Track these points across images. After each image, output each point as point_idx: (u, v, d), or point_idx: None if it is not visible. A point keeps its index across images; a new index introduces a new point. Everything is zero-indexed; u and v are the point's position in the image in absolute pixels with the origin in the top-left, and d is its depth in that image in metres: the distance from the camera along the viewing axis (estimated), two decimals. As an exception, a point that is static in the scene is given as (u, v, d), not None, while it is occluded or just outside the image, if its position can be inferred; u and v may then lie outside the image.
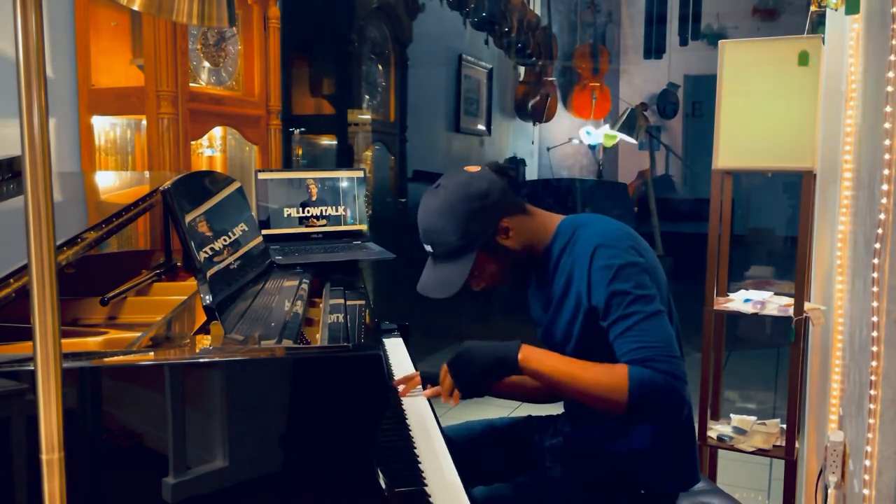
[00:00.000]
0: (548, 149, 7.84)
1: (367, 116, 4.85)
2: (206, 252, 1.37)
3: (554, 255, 1.47)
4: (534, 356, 1.36)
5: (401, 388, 1.62)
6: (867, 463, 1.25)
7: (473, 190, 1.42)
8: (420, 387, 1.62)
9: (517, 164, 6.89)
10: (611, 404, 1.29)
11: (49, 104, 0.67)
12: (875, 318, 1.21)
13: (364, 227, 2.33)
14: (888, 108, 1.20)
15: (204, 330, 1.30)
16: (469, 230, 1.41)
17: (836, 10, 2.03)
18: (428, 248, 1.47)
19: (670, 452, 1.48)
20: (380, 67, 5.04)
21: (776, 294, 2.45)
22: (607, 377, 1.29)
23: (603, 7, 7.94)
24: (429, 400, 1.59)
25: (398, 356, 1.91)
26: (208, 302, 1.25)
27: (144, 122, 2.60)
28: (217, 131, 2.99)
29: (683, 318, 1.48)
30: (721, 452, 2.50)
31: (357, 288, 1.95)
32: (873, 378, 1.22)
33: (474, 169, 1.47)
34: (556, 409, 1.68)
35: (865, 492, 1.26)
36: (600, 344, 1.36)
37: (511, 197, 1.46)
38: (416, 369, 1.82)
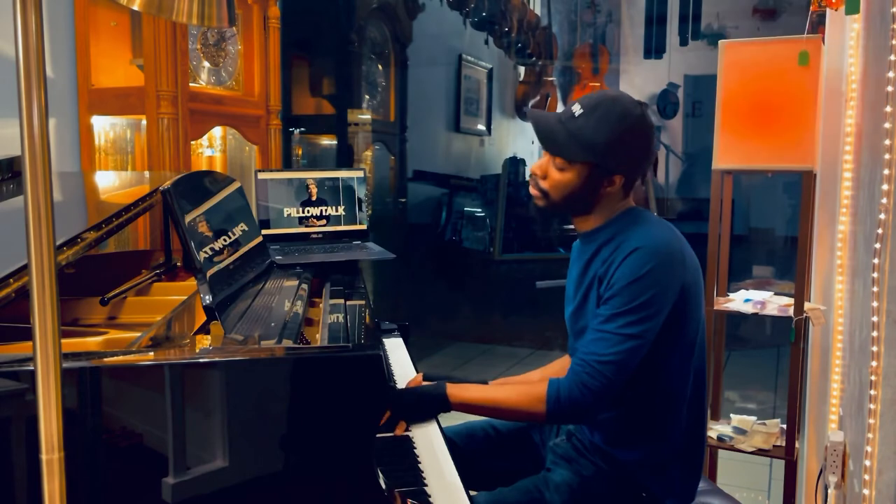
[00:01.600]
0: (548, 149, 7.83)
1: (367, 116, 4.85)
2: (206, 252, 1.37)
3: (605, 234, 1.45)
4: (459, 392, 1.44)
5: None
6: (867, 463, 1.25)
7: (646, 129, 1.41)
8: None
9: (518, 164, 6.89)
10: (532, 418, 1.43)
11: (49, 104, 0.67)
12: (875, 318, 1.21)
13: (364, 227, 2.33)
14: (888, 108, 1.20)
15: (204, 330, 1.30)
16: (611, 145, 1.37)
17: (836, 10, 2.03)
18: (579, 110, 1.40)
19: (677, 461, 1.47)
20: (380, 67, 5.04)
21: (776, 294, 2.45)
22: (526, 397, 1.40)
23: (603, 7, 7.93)
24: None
25: (398, 356, 1.91)
26: (208, 302, 1.25)
27: (144, 122, 2.60)
28: (217, 131, 2.99)
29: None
30: (721, 452, 2.50)
31: (357, 288, 1.95)
32: (873, 378, 1.22)
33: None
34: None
35: (865, 492, 1.26)
36: None
37: (642, 172, 1.46)
38: (417, 369, 1.82)
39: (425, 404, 1.44)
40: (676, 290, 1.37)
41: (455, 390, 1.43)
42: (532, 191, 1.49)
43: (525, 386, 1.43)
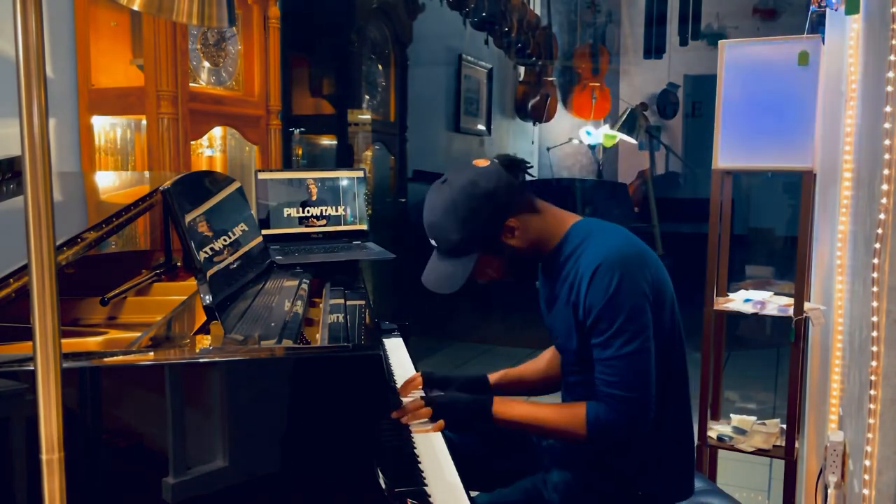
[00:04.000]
0: (548, 149, 7.84)
1: (367, 116, 4.85)
2: (206, 252, 1.37)
3: (562, 256, 1.45)
4: (504, 409, 1.44)
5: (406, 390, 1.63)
6: (867, 463, 1.25)
7: (479, 190, 1.39)
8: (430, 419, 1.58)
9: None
10: (573, 439, 1.43)
11: (49, 104, 0.67)
12: (875, 318, 1.21)
13: (364, 227, 2.33)
14: (888, 108, 1.20)
15: (204, 330, 1.30)
16: (473, 231, 1.40)
17: (835, 10, 2.03)
18: (432, 241, 1.47)
19: (668, 457, 1.47)
20: (380, 67, 5.04)
21: (776, 294, 2.45)
22: (568, 417, 1.40)
23: (603, 7, 7.93)
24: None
25: (398, 356, 1.91)
26: (208, 302, 1.25)
27: (144, 122, 2.60)
28: (217, 131, 2.99)
29: (684, 318, 1.48)
30: (721, 452, 2.50)
31: (357, 288, 1.95)
32: (873, 378, 1.22)
33: (483, 163, 1.44)
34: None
35: (865, 492, 1.26)
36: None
37: (519, 195, 1.44)
38: (417, 369, 1.83)
39: (469, 415, 1.46)
40: (648, 290, 1.37)
41: (500, 407, 1.45)
42: (499, 281, 1.51)
43: (564, 408, 1.44)
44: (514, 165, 1.46)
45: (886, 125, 1.20)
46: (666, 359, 1.42)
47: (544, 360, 1.75)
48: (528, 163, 1.50)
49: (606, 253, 1.37)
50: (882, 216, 1.20)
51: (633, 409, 1.35)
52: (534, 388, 1.73)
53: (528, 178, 1.50)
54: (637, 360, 1.35)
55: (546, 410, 1.45)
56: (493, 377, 1.71)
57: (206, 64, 2.84)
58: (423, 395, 1.51)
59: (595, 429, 1.37)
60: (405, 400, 1.58)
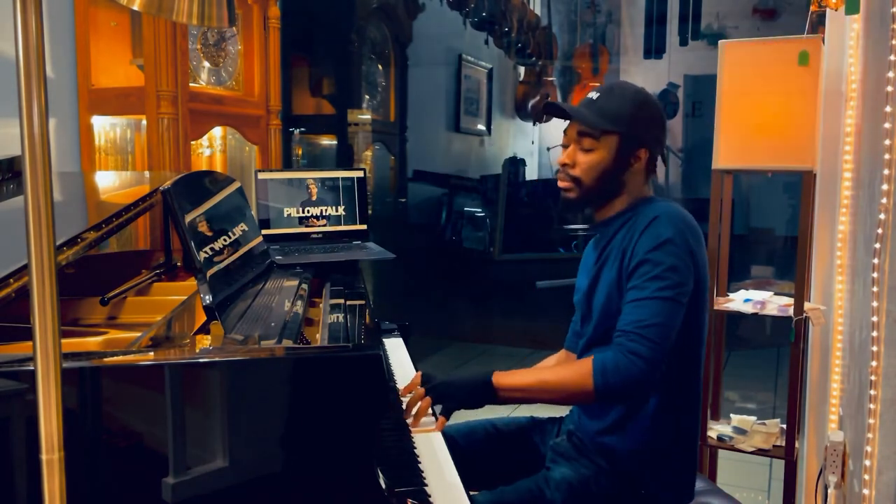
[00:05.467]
0: (548, 149, 7.84)
1: (367, 116, 4.85)
2: (206, 252, 1.37)
3: (623, 218, 1.49)
4: (505, 378, 1.41)
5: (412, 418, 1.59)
6: (867, 463, 1.25)
7: (658, 110, 1.52)
8: (433, 417, 1.53)
9: (518, 164, 6.89)
10: (582, 397, 1.39)
11: (49, 104, 0.67)
12: (875, 318, 1.21)
13: (364, 227, 2.33)
14: (888, 108, 1.20)
15: (204, 330, 1.30)
16: (636, 117, 1.46)
17: (835, 10, 2.03)
18: (595, 94, 1.50)
19: (671, 456, 1.47)
20: (380, 67, 5.04)
21: (776, 294, 2.45)
22: (573, 373, 1.38)
23: (603, 7, 7.94)
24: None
25: (398, 356, 1.91)
26: (208, 302, 1.25)
27: (144, 122, 2.60)
28: (217, 131, 2.99)
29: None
30: (721, 452, 2.50)
31: (357, 288, 1.95)
32: (873, 378, 1.22)
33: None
34: (558, 410, 1.68)
35: (865, 492, 1.26)
36: None
37: (661, 150, 1.52)
38: (417, 369, 1.82)
39: (470, 392, 1.41)
40: (694, 262, 1.39)
41: (501, 377, 1.41)
42: (562, 183, 1.51)
43: (568, 365, 1.43)
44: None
45: (886, 125, 1.20)
46: (685, 354, 1.44)
47: (551, 364, 1.74)
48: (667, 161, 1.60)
49: (668, 210, 1.42)
50: (882, 216, 1.20)
51: (650, 352, 1.32)
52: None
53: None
54: (668, 307, 1.34)
55: (549, 372, 1.44)
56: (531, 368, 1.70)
57: (206, 64, 2.84)
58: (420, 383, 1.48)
59: (603, 379, 1.33)
60: (405, 400, 1.58)
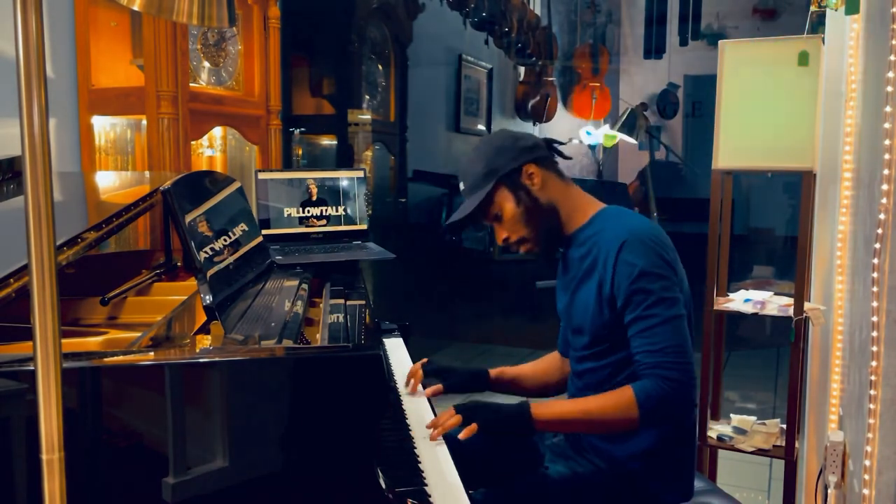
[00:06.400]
0: (548, 149, 7.83)
1: (367, 116, 4.85)
2: (206, 252, 1.37)
3: (584, 236, 1.49)
4: (544, 408, 1.39)
5: (410, 385, 1.63)
6: (867, 463, 1.25)
7: (508, 133, 1.53)
8: (421, 387, 1.63)
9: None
10: (625, 425, 1.38)
11: (49, 104, 0.67)
12: (875, 318, 1.21)
13: (364, 227, 2.33)
14: (888, 108, 1.20)
15: (204, 330, 1.30)
16: (492, 161, 1.48)
17: (836, 10, 2.03)
18: (461, 186, 1.53)
19: (670, 456, 1.48)
20: (380, 67, 5.04)
21: (776, 294, 2.45)
22: (616, 402, 1.36)
23: (603, 7, 7.94)
24: (429, 400, 1.59)
25: (398, 356, 1.91)
26: (208, 302, 1.25)
27: (144, 122, 2.60)
28: (217, 131, 2.99)
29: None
30: (721, 452, 2.50)
31: (357, 288, 1.95)
32: (873, 378, 1.22)
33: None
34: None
35: (865, 492, 1.26)
36: (617, 328, 1.41)
37: (546, 153, 1.53)
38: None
39: (507, 423, 1.39)
40: (671, 262, 1.40)
41: (539, 408, 1.39)
42: (519, 250, 1.53)
43: (610, 396, 1.39)
44: (551, 142, 1.56)
45: (886, 125, 1.20)
46: None
47: (542, 365, 1.75)
48: (566, 153, 1.59)
49: (631, 229, 1.41)
50: (882, 216, 1.20)
51: (682, 374, 1.34)
52: (529, 390, 1.73)
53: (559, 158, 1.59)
54: (678, 325, 1.36)
55: (590, 402, 1.41)
56: (492, 373, 1.71)
57: (206, 64, 2.84)
58: (455, 405, 1.42)
59: (648, 406, 1.33)
60: (405, 400, 1.59)
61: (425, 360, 1.69)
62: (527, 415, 1.37)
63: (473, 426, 1.35)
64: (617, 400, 1.36)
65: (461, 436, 1.34)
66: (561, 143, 1.58)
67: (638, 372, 1.37)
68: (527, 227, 1.50)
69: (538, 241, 1.52)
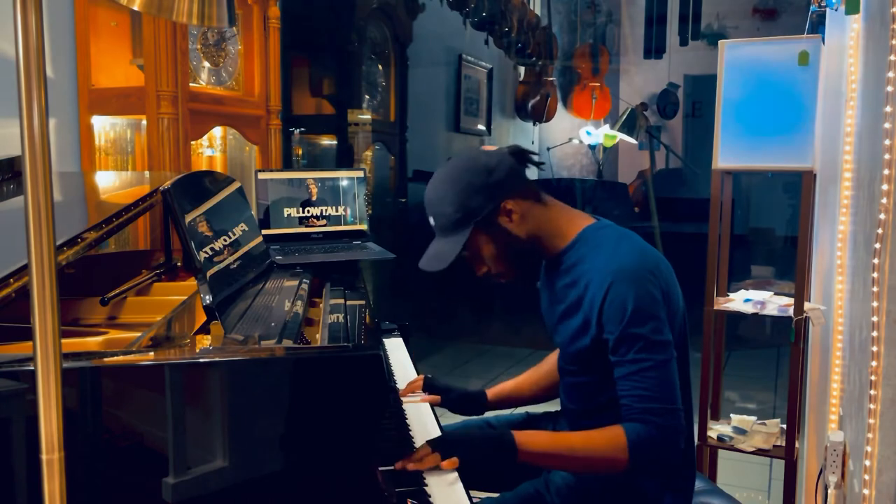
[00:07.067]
0: (548, 149, 7.84)
1: (367, 116, 4.85)
2: (206, 252, 1.37)
3: (569, 260, 1.41)
4: (530, 440, 1.33)
5: (407, 386, 1.64)
6: (867, 463, 1.25)
7: (479, 164, 1.37)
8: (421, 392, 1.62)
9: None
10: (612, 467, 1.32)
11: (49, 104, 0.67)
12: (875, 318, 1.21)
13: (364, 227, 2.33)
14: (888, 108, 1.20)
15: (204, 330, 1.30)
16: (467, 204, 1.36)
17: (835, 10, 2.03)
18: (431, 220, 1.42)
19: (671, 465, 1.47)
20: (380, 67, 5.03)
21: (776, 294, 2.45)
22: (605, 442, 1.31)
23: (603, 7, 7.93)
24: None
25: (398, 356, 1.91)
26: (208, 302, 1.25)
27: (144, 122, 2.60)
28: (217, 131, 2.99)
29: (684, 317, 1.47)
30: (721, 452, 2.50)
31: (357, 288, 1.95)
32: (873, 378, 1.22)
33: (491, 148, 1.43)
34: (555, 406, 1.68)
35: (865, 492, 1.26)
36: (601, 359, 1.36)
37: (521, 181, 1.40)
38: (417, 369, 1.83)
39: (489, 453, 1.32)
40: (660, 298, 1.34)
41: (524, 438, 1.32)
42: (499, 281, 1.45)
43: (601, 434, 1.33)
44: (521, 154, 1.43)
45: (886, 125, 1.20)
46: (677, 357, 1.42)
47: (545, 367, 1.73)
48: (540, 159, 1.47)
49: (618, 266, 1.32)
50: (882, 216, 1.20)
51: (671, 420, 1.29)
52: (531, 398, 1.72)
53: (537, 171, 1.49)
54: (667, 370, 1.31)
55: (577, 438, 1.35)
56: (490, 393, 1.69)
57: (206, 64, 2.84)
58: (430, 438, 1.34)
59: (638, 450, 1.28)
60: (405, 400, 1.59)
61: (426, 375, 1.68)
62: (510, 447, 1.30)
63: (455, 460, 1.27)
64: (607, 442, 1.31)
65: (443, 465, 1.26)
66: (534, 155, 1.45)
67: (625, 416, 1.32)
68: (506, 264, 1.42)
69: (519, 274, 1.45)
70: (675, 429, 1.30)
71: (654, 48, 7.58)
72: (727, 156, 2.29)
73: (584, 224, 1.43)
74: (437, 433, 1.45)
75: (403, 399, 1.59)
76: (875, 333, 1.21)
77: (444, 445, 1.28)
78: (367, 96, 4.93)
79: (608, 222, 1.46)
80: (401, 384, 1.68)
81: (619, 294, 1.30)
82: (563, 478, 1.48)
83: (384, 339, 2.02)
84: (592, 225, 1.44)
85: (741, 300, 2.40)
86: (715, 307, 2.38)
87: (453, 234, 1.39)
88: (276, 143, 3.14)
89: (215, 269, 1.37)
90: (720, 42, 2.30)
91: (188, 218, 1.36)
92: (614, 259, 1.34)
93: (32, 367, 0.68)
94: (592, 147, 7.40)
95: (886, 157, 1.18)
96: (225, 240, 1.49)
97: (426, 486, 1.20)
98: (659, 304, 1.32)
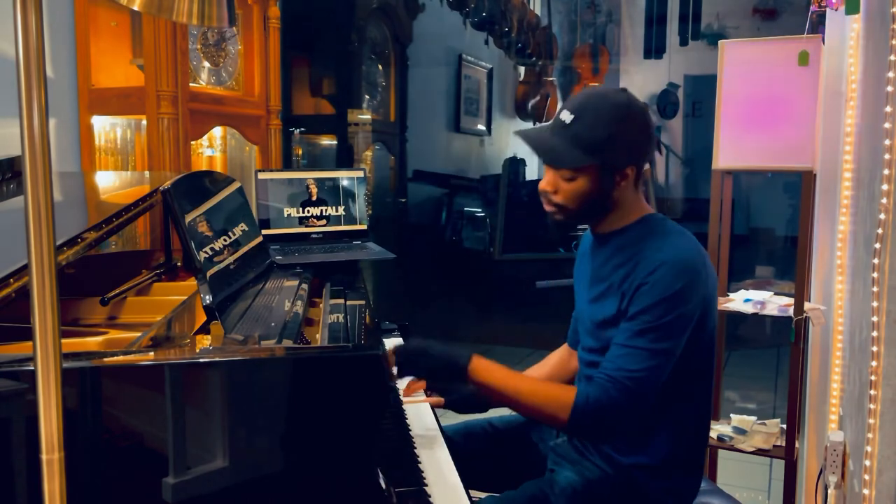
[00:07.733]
0: (548, 149, 7.83)
1: (367, 116, 4.85)
2: (206, 252, 1.37)
3: (624, 241, 1.42)
4: (483, 367, 1.36)
5: (401, 388, 1.63)
6: (867, 463, 1.25)
7: (648, 122, 1.38)
8: (423, 392, 1.62)
9: (518, 164, 6.89)
10: (550, 422, 1.37)
11: (49, 104, 0.67)
12: (875, 318, 1.21)
13: (364, 227, 2.33)
14: (888, 108, 1.20)
15: (204, 330, 1.30)
16: (614, 143, 1.34)
17: (836, 9, 2.03)
18: (568, 115, 1.37)
19: (681, 463, 1.46)
20: (380, 67, 5.04)
21: (776, 294, 2.45)
22: (551, 398, 1.34)
23: (603, 7, 7.93)
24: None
25: (398, 356, 1.90)
26: (208, 302, 1.25)
27: (144, 122, 2.60)
28: (217, 131, 2.99)
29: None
30: (721, 452, 2.50)
31: (357, 288, 1.95)
32: (873, 378, 1.22)
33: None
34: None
35: (865, 492, 1.26)
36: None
37: (650, 158, 1.42)
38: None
39: (440, 368, 1.36)
40: (700, 303, 1.35)
41: (479, 364, 1.36)
42: (547, 207, 1.43)
43: (552, 387, 1.37)
44: (658, 142, 1.47)
45: (886, 125, 1.20)
46: (700, 369, 1.42)
47: (548, 367, 1.73)
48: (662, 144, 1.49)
49: (675, 253, 1.34)
50: (882, 216, 1.20)
51: (630, 403, 1.30)
52: None
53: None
54: (661, 361, 1.31)
55: (527, 384, 1.37)
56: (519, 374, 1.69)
57: (206, 64, 2.84)
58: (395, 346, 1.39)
59: (580, 415, 1.30)
60: (406, 400, 1.59)
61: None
62: (463, 367, 1.35)
63: (440, 399, 1.38)
64: (554, 396, 1.33)
65: (423, 400, 1.32)
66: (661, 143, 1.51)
67: (594, 374, 1.34)
68: (581, 205, 1.40)
69: (576, 219, 1.44)
70: (626, 410, 1.31)
71: (654, 48, 7.58)
72: (727, 156, 2.29)
73: (647, 210, 1.46)
74: (437, 433, 1.45)
75: (405, 399, 1.59)
76: (875, 333, 1.21)
77: (405, 355, 1.35)
78: (367, 96, 4.93)
79: (665, 217, 1.48)
80: (401, 384, 1.68)
81: (664, 278, 1.31)
82: (567, 479, 1.47)
83: (384, 339, 2.02)
84: (654, 214, 1.46)
85: (741, 300, 2.40)
86: (715, 307, 2.38)
87: (578, 148, 1.35)
88: (276, 143, 3.14)
89: (215, 269, 1.37)
90: (720, 42, 2.30)
91: (188, 218, 1.36)
92: (673, 248, 1.36)
93: (32, 367, 0.68)
94: (592, 147, 7.38)
95: (886, 156, 1.18)
96: (225, 240, 1.49)
97: (426, 486, 1.20)
98: (692, 306, 1.33)
